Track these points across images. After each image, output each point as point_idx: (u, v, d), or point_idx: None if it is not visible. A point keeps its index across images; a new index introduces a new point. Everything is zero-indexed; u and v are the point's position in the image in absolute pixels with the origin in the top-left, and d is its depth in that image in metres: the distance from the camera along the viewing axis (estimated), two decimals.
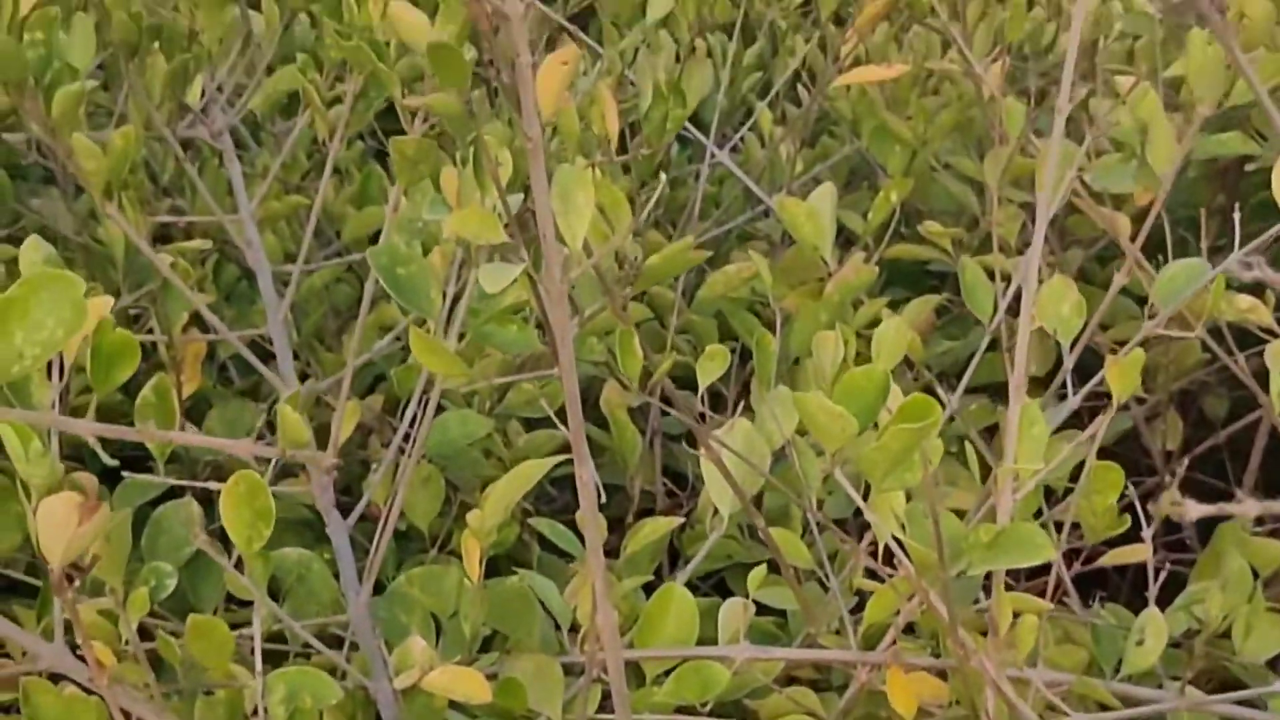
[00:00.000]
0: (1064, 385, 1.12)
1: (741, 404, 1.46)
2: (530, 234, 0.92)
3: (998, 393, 1.36)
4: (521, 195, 0.97)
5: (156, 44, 1.20)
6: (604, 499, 0.91)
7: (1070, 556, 1.14)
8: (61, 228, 1.45)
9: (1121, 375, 0.92)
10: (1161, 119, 1.15)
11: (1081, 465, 1.02)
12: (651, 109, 1.17)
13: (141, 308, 1.33)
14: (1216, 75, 1.20)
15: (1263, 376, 1.03)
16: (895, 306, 1.56)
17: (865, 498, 0.92)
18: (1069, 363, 1.07)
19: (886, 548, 0.92)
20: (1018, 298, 1.08)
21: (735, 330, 1.45)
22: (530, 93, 0.87)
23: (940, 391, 1.40)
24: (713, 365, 1.12)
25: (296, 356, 1.33)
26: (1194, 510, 0.59)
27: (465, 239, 0.94)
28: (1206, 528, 1.44)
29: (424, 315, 0.97)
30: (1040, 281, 1.03)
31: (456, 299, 1.04)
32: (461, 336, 1.01)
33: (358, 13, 1.13)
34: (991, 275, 1.24)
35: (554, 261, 0.89)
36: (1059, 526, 1.08)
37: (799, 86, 1.69)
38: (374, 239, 1.43)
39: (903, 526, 0.93)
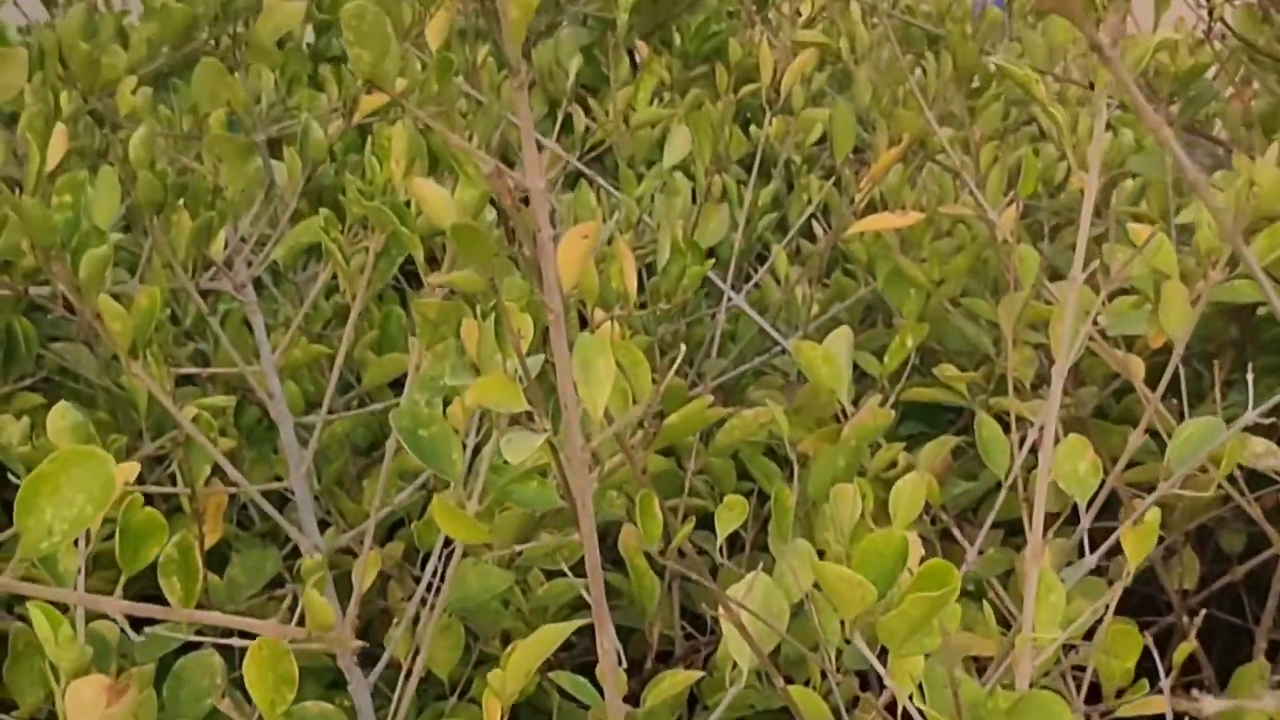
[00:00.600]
0: (1082, 540, 1.12)
1: (759, 548, 1.47)
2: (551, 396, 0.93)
3: (1016, 529, 1.37)
4: (542, 355, 0.99)
5: (181, 200, 1.22)
6: (623, 653, 0.91)
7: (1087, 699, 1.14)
8: (84, 370, 1.47)
9: (1137, 541, 0.93)
10: (1176, 282, 1.16)
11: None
12: (669, 264, 1.19)
13: (165, 452, 1.34)
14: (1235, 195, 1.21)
15: (1278, 514, 1.04)
16: (911, 441, 1.57)
17: (882, 656, 0.92)
18: (1085, 523, 1.08)
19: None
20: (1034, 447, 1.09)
21: (752, 472, 1.46)
22: (552, 266, 0.88)
23: (958, 534, 1.41)
24: (730, 515, 1.12)
25: (317, 499, 1.34)
26: (1211, 707, 0.59)
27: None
28: (1225, 670, 1.45)
29: (446, 477, 0.98)
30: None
31: (478, 448, 1.06)
32: (484, 494, 1.02)
33: (379, 170, 1.15)
34: (1007, 420, 1.25)
35: (575, 431, 0.91)
36: (1076, 674, 1.08)
37: (814, 221, 1.71)
38: (395, 384, 1.44)
39: (920, 689, 0.93)
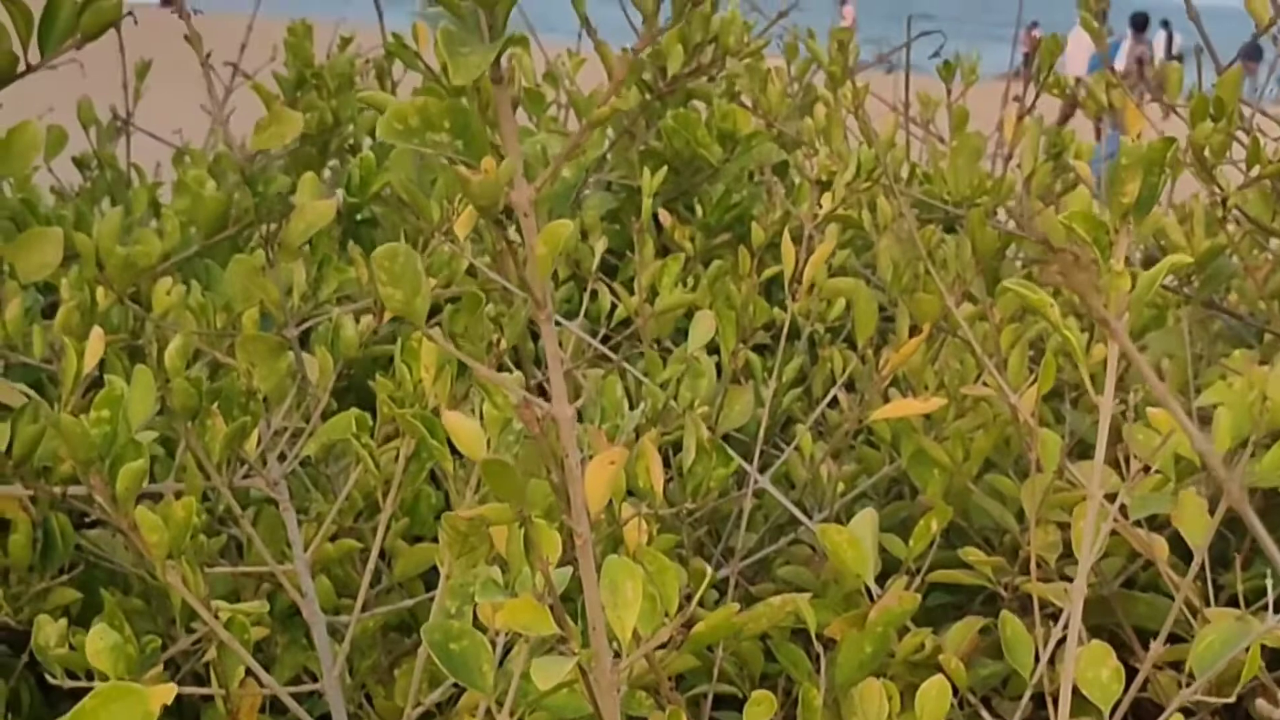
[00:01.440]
0: None
1: None
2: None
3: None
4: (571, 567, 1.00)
5: (215, 403, 1.24)
6: None
7: None
8: (119, 561, 1.49)
9: None
10: (1195, 497, 1.17)
11: None
12: (695, 464, 1.21)
13: (199, 646, 1.36)
14: (1246, 412, 1.23)
15: None
16: (938, 613, 1.58)
17: None
18: None
19: None
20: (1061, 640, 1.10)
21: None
22: (579, 492, 0.90)
23: (986, 717, 1.41)
24: (759, 711, 1.13)
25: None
26: None
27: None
28: None
29: (476, 691, 0.99)
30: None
31: (507, 651, 1.07)
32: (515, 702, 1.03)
33: (410, 377, 1.18)
34: (1030, 604, 1.26)
35: (604, 656, 0.92)
36: None
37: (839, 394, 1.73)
38: (425, 575, 1.46)
39: None
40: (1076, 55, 16.84)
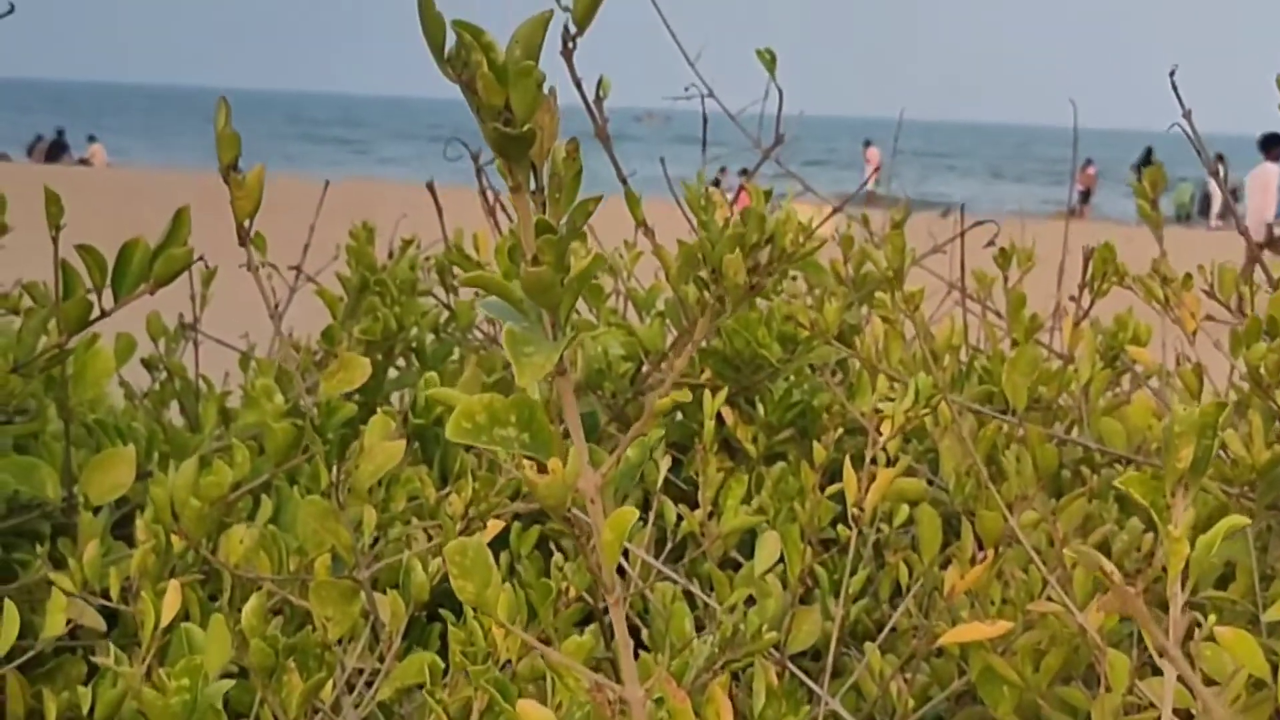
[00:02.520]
0: None
1: None
2: None
3: None
4: None
5: (291, 658, 1.26)
6: None
7: None
8: None
9: None
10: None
11: None
12: (765, 707, 1.22)
13: None
14: None
15: None
16: None
17: None
18: None
19: None
20: None
21: None
22: None
23: None
24: None
25: None
26: None
27: None
28: None
29: None
30: None
31: None
32: None
33: (481, 633, 1.19)
34: None
35: None
36: None
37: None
38: None
39: None
40: (1259, 196, 16.72)
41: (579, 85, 2.31)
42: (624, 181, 2.39)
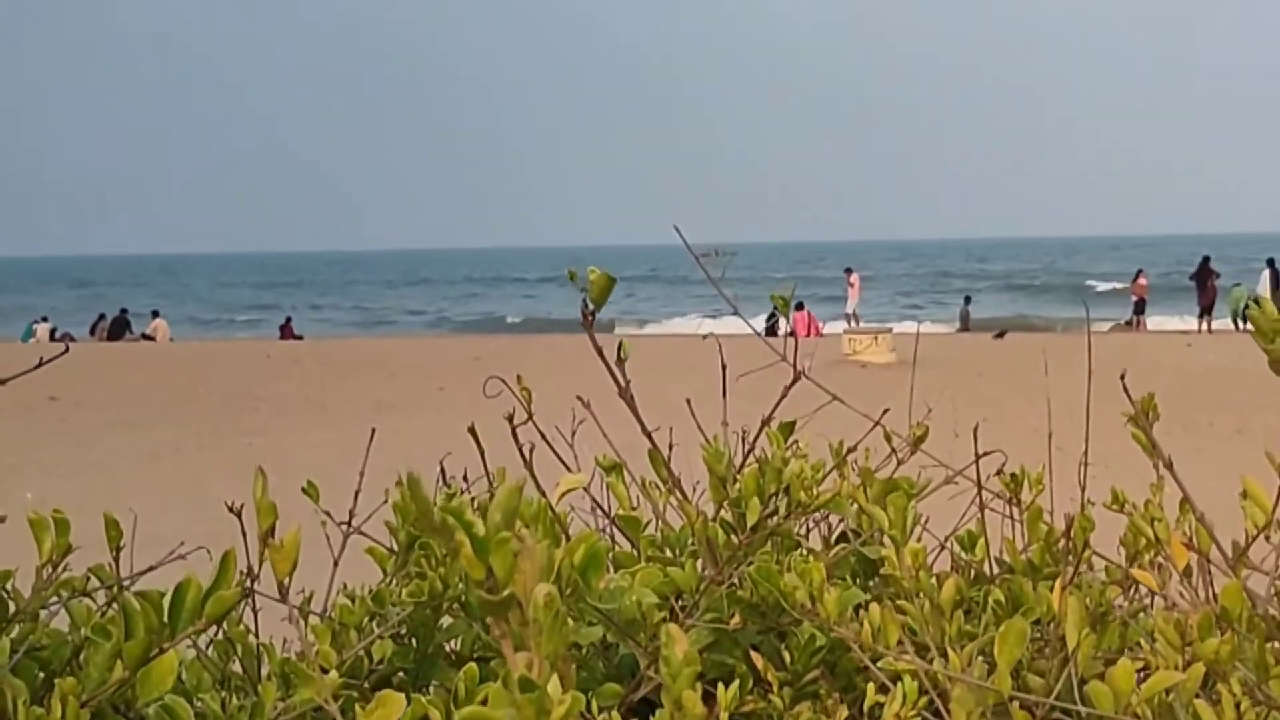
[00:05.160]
0: None
1: None
2: None
3: None
4: None
5: None
6: None
7: None
8: None
9: None
10: None
11: None
12: None
13: None
14: None
15: None
16: None
17: None
18: None
19: None
20: None
21: None
22: None
23: None
24: None
25: None
26: None
27: None
28: None
29: None
30: None
31: None
32: None
33: None
34: None
35: None
36: None
37: None
38: None
39: None
40: None
41: (600, 352, 2.47)
42: (649, 435, 2.54)
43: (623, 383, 2.47)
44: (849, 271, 50.28)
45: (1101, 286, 77.48)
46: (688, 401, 2.77)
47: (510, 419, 2.59)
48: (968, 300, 50.62)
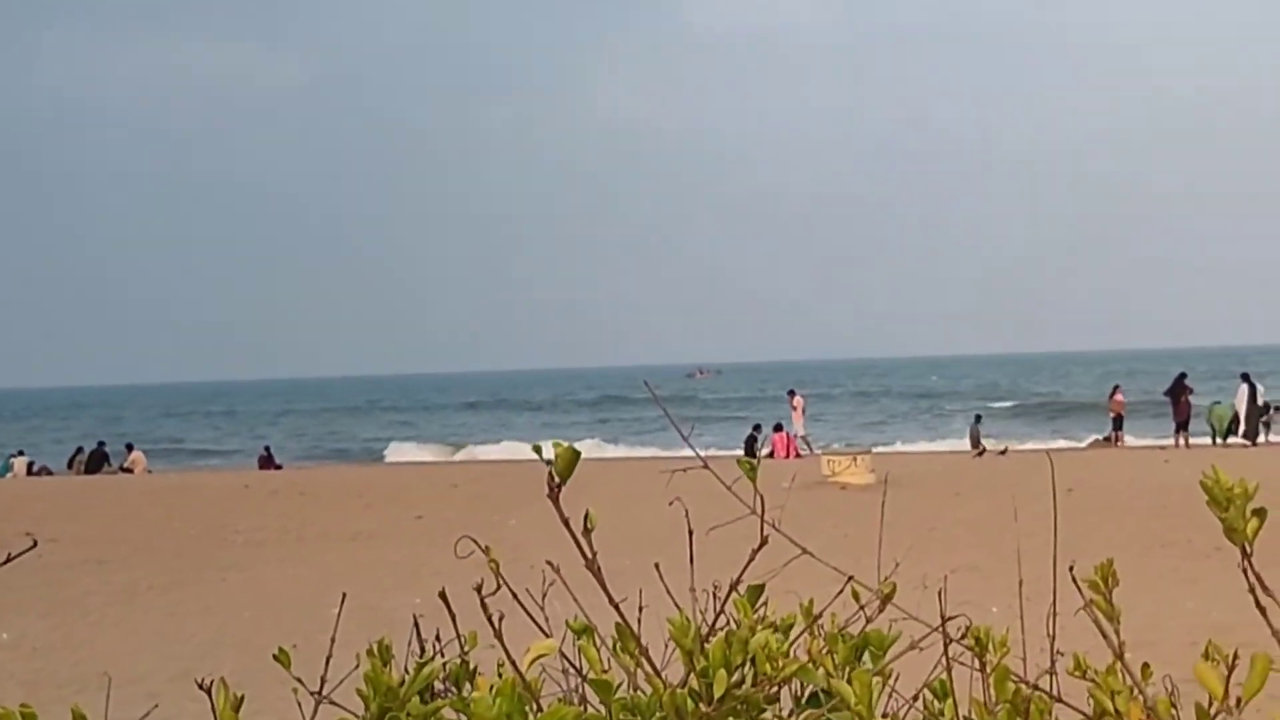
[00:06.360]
0: None
1: None
2: None
3: None
4: None
5: None
6: None
7: None
8: None
9: None
10: None
11: None
12: None
13: None
14: None
15: None
16: None
17: None
18: None
19: None
20: None
21: None
22: None
23: None
24: None
25: None
26: None
27: None
28: None
29: None
30: None
31: None
32: None
33: None
34: None
35: None
36: None
37: None
38: None
39: None
40: None
41: (567, 524, 2.49)
42: (618, 610, 2.56)
43: (589, 555, 2.49)
44: (791, 394, 48.66)
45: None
46: (656, 566, 2.79)
47: (479, 589, 2.60)
48: (978, 419, 49.47)
